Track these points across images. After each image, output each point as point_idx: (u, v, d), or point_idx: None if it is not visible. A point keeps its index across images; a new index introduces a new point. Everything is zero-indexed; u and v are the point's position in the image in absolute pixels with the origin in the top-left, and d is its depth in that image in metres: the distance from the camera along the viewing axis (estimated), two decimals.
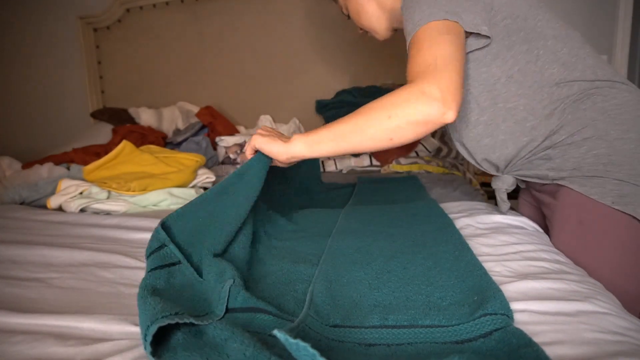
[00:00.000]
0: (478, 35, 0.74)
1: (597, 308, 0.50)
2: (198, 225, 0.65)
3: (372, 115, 0.66)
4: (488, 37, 0.75)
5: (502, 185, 0.91)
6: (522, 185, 0.98)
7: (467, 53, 0.78)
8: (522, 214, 0.98)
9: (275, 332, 0.35)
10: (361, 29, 1.01)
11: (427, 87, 0.63)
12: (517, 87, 0.78)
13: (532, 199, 0.97)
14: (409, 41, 0.71)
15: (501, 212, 0.91)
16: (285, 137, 0.76)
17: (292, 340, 0.33)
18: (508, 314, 0.45)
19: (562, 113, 0.77)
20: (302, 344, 0.33)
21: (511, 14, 0.76)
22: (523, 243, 0.72)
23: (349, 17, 1.01)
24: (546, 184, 0.85)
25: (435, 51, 0.66)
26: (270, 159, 0.76)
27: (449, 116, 0.63)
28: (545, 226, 0.90)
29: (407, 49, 0.72)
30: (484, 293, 0.50)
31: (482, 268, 0.57)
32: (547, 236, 0.82)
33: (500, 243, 0.72)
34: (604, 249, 0.76)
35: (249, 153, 0.77)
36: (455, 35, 0.68)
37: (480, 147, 0.87)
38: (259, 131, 0.77)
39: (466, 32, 0.72)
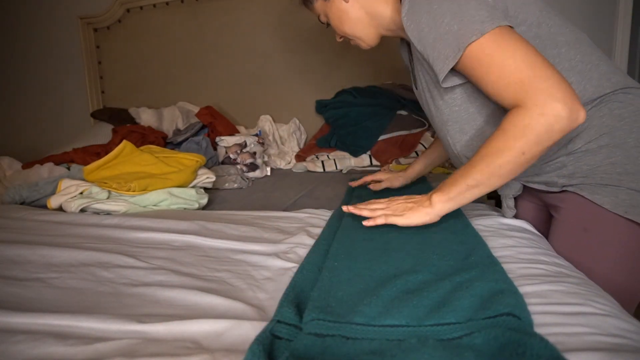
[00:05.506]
0: None
1: (596, 310, 0.50)
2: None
3: (502, 158, 0.64)
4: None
5: (510, 191, 0.89)
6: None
7: None
8: (522, 213, 0.98)
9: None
10: (342, 36, 0.94)
11: (543, 106, 0.60)
12: None
13: (536, 198, 0.95)
14: (455, 62, 0.66)
15: (503, 216, 0.90)
16: (413, 200, 0.74)
17: None
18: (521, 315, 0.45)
19: None
20: None
21: (525, 20, 0.72)
22: (522, 246, 0.72)
23: (327, 25, 0.94)
24: (550, 190, 0.83)
25: (513, 62, 0.62)
26: None
27: (581, 116, 0.60)
28: (547, 225, 0.89)
29: (459, 68, 0.68)
30: (499, 292, 0.50)
31: (503, 272, 0.57)
32: (546, 240, 0.81)
33: (500, 245, 0.72)
34: (608, 255, 0.76)
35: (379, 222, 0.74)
36: (509, 37, 0.63)
37: None
38: (401, 202, 0.75)
39: None
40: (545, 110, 0.60)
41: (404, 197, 0.79)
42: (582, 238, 0.78)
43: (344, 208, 0.78)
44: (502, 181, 0.67)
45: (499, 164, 0.65)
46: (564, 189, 0.80)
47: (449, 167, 1.70)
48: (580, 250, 0.78)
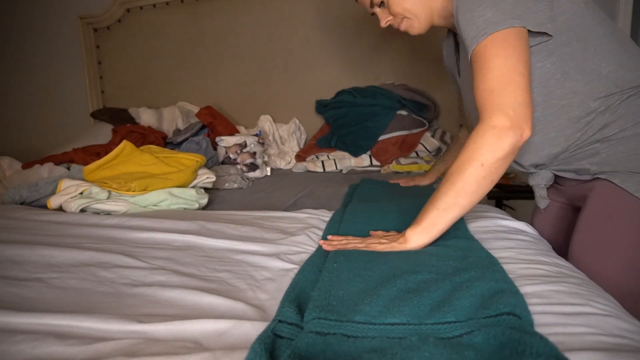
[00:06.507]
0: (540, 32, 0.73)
1: (597, 310, 0.50)
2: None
3: (465, 173, 0.67)
4: (550, 35, 0.73)
5: (542, 181, 0.91)
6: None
7: None
8: (547, 211, 1.01)
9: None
10: (387, 20, 0.92)
11: (495, 120, 0.65)
12: (573, 84, 0.77)
13: (562, 197, 0.97)
14: (473, 48, 0.71)
15: (506, 217, 0.90)
16: (388, 237, 0.74)
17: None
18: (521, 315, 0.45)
19: (617, 108, 0.77)
20: None
21: (568, 10, 0.75)
22: (522, 247, 0.72)
23: (373, 13, 0.93)
24: (580, 179, 0.85)
25: (496, 72, 0.67)
26: None
27: (526, 134, 0.66)
28: (570, 223, 0.90)
29: (470, 56, 0.72)
30: (500, 293, 0.50)
31: (502, 271, 0.57)
32: (546, 241, 0.81)
33: (499, 247, 0.72)
34: (624, 246, 0.77)
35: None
36: (518, 43, 0.68)
37: (528, 144, 0.83)
38: (376, 242, 0.73)
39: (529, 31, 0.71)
40: (496, 124, 0.65)
41: (382, 233, 0.79)
42: (605, 227, 0.80)
43: (320, 242, 0.77)
44: (471, 200, 0.68)
45: (462, 179, 0.67)
46: (596, 176, 0.81)
47: None
48: (598, 243, 0.79)
